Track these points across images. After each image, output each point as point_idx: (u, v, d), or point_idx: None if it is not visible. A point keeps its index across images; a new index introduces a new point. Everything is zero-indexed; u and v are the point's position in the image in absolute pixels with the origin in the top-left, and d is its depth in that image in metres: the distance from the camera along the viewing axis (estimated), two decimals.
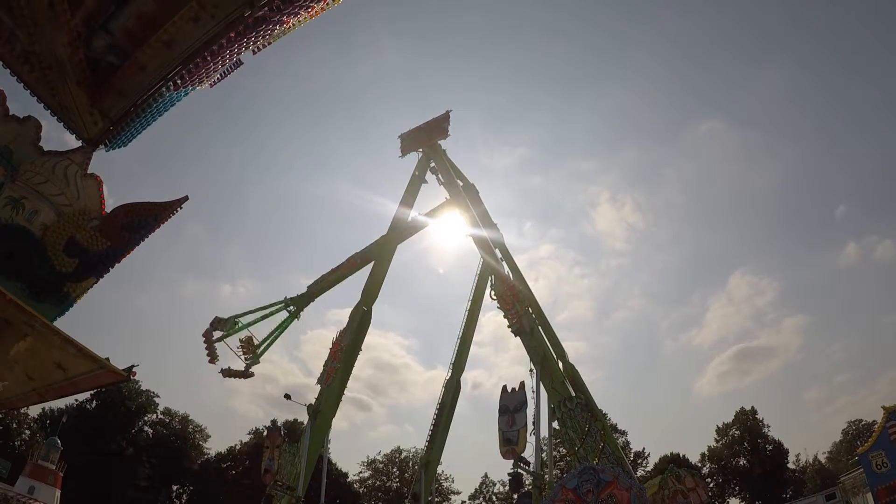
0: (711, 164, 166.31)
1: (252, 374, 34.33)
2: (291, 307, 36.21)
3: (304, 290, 36.69)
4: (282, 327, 35.85)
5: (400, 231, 37.34)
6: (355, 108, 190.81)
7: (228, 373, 33.85)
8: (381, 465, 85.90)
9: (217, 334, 33.49)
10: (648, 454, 76.88)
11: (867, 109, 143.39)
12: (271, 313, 35.73)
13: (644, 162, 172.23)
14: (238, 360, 34.41)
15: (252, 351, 34.36)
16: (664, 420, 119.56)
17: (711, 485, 70.58)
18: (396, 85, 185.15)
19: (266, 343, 35.25)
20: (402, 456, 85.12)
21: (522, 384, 24.39)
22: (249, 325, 34.59)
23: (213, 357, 33.71)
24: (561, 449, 29.70)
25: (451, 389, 38.35)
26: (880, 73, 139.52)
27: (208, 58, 7.94)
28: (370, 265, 36.12)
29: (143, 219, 9.22)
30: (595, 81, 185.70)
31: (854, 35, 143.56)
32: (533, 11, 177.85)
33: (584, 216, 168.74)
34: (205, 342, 33.80)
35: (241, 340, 34.14)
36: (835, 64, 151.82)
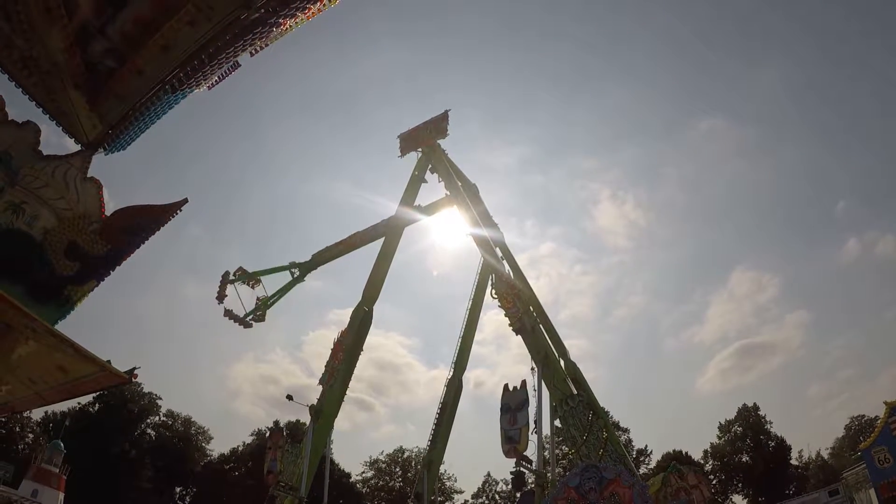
0: (712, 161, 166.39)
1: (255, 323, 36.62)
2: (296, 270, 38.25)
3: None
4: (287, 288, 37.99)
5: (397, 226, 37.64)
6: (355, 108, 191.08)
7: (235, 317, 35.56)
8: (383, 465, 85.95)
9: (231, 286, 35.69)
10: (651, 451, 76.98)
11: (867, 105, 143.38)
12: (278, 271, 38.08)
13: (645, 160, 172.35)
14: (245, 312, 36.82)
15: (256, 281, 36.78)
16: (666, 417, 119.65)
17: (714, 482, 70.63)
18: (396, 85, 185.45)
19: (273, 299, 37.63)
20: (405, 456, 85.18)
21: (524, 382, 24.29)
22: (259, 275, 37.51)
23: (220, 298, 35.64)
24: (563, 447, 29.73)
25: (453, 389, 38.39)
26: (880, 70, 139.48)
27: (205, 60, 7.97)
28: (371, 262, 36.33)
29: (143, 222, 9.26)
30: (595, 80, 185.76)
31: (853, 32, 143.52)
32: (532, 11, 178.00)
33: (585, 214, 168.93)
34: (219, 289, 35.73)
35: (248, 281, 36.57)
36: (835, 61, 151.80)
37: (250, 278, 36.50)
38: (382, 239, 37.18)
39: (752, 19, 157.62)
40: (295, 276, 37.94)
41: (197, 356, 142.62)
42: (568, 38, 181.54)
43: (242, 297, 36.18)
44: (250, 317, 36.06)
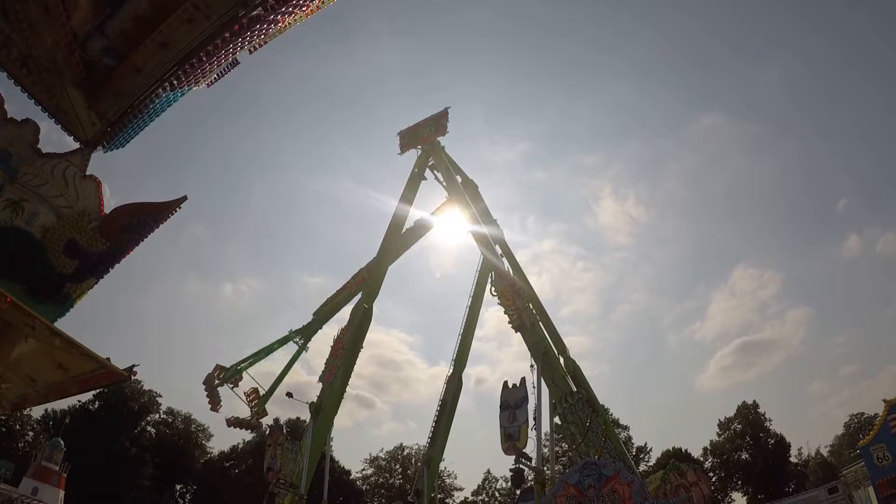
0: (713, 157, 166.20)
1: (260, 426, 32.82)
2: (299, 339, 35.43)
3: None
4: (291, 361, 35.15)
5: (405, 238, 37.56)
6: (356, 105, 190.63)
7: (235, 422, 32.60)
8: (383, 463, 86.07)
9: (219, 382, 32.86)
10: (651, 449, 77.10)
11: (868, 102, 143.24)
12: (275, 348, 34.82)
13: (646, 156, 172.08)
14: (243, 405, 33.87)
15: (259, 401, 33.28)
16: (666, 414, 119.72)
17: (714, 479, 70.69)
18: (397, 82, 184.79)
19: (273, 384, 34.31)
20: (405, 453, 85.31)
21: (523, 380, 24.38)
22: (248, 365, 33.71)
23: (214, 404, 33.06)
24: (563, 444, 29.79)
25: (453, 386, 38.43)
26: (881, 67, 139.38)
27: (204, 58, 7.98)
28: (371, 259, 36.35)
29: (142, 219, 9.26)
30: (597, 76, 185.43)
31: (855, 29, 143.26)
32: (534, 7, 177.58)
33: (587, 210, 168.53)
34: (205, 389, 33.12)
35: (246, 394, 33.20)
36: (836, 57, 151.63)
37: (232, 378, 33.20)
38: (382, 238, 37.30)
39: (754, 15, 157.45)
40: (296, 341, 35.57)
41: (197, 353, 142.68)
42: (570, 33, 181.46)
43: (244, 383, 33.26)
44: (254, 417, 32.88)
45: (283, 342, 35.18)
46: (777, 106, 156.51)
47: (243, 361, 34.03)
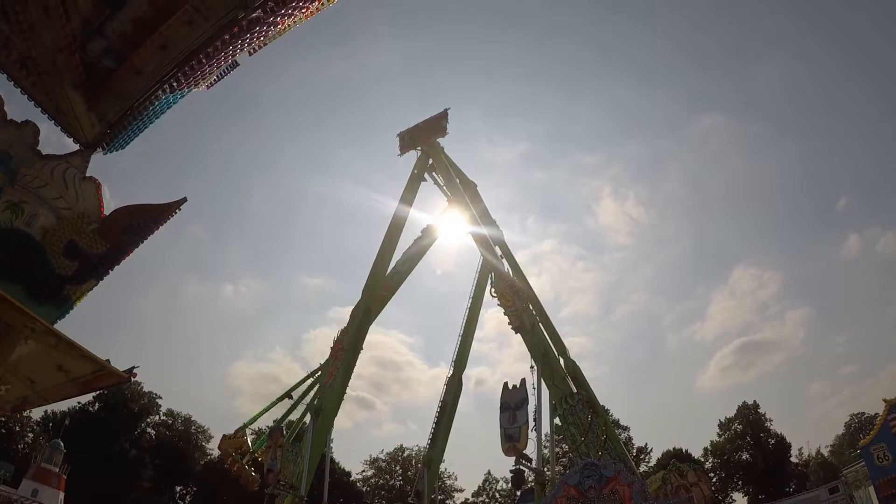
0: (713, 157, 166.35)
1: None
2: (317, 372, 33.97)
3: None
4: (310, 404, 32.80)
5: (412, 254, 37.71)
6: (357, 107, 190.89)
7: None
8: (383, 464, 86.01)
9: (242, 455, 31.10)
10: (651, 449, 77.05)
11: (868, 102, 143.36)
12: (293, 394, 33.60)
13: (646, 156, 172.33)
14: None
15: (276, 449, 29.84)
16: (667, 415, 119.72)
17: (714, 479, 70.65)
18: (397, 84, 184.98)
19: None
20: (405, 454, 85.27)
21: (523, 381, 24.36)
22: (268, 434, 31.61)
23: (250, 484, 31.70)
24: (563, 445, 29.74)
25: (453, 387, 38.46)
26: (881, 67, 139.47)
27: (203, 60, 7.98)
28: (372, 260, 36.34)
29: (142, 221, 9.23)
30: (596, 77, 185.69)
31: (855, 29, 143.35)
32: (534, 8, 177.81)
33: (587, 210, 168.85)
34: (234, 473, 31.51)
35: (259, 455, 31.36)
36: (836, 57, 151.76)
37: (259, 449, 30.73)
38: (382, 239, 37.30)
39: (754, 15, 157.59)
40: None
41: (197, 355, 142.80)
42: (570, 34, 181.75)
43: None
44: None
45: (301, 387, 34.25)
46: (777, 106, 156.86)
47: (251, 421, 33.03)
